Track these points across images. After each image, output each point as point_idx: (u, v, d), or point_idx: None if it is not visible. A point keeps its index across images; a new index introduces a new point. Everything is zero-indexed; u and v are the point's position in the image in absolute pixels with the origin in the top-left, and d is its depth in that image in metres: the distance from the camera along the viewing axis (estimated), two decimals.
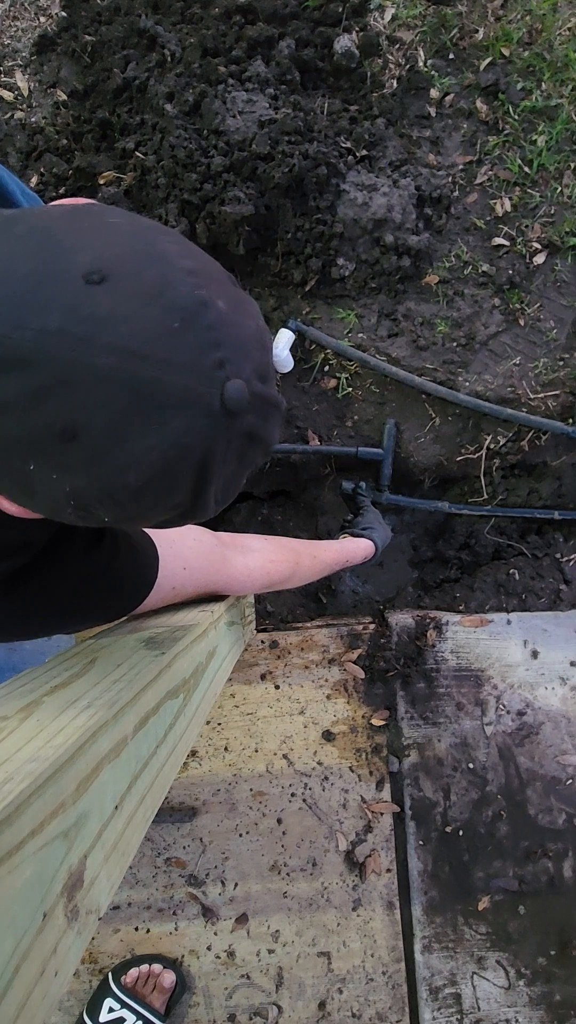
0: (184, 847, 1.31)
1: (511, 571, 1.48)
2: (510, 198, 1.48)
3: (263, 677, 1.38)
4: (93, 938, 1.22)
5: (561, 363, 1.47)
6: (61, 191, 1.44)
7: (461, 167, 1.49)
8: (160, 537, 0.71)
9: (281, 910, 1.30)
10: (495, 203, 1.47)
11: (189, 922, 1.28)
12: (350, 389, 1.48)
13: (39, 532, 0.56)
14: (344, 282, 1.43)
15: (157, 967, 1.23)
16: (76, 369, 0.37)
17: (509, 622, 1.43)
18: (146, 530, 0.71)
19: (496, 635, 1.42)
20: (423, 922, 1.31)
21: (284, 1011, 1.27)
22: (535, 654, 1.41)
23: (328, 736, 1.36)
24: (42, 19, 1.55)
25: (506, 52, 1.50)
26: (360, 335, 1.45)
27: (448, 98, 1.50)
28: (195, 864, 1.30)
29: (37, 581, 0.57)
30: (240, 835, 1.31)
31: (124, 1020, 1.17)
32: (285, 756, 1.35)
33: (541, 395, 1.46)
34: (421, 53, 1.51)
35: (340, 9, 1.46)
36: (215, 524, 1.55)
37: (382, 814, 1.33)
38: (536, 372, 1.46)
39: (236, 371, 0.42)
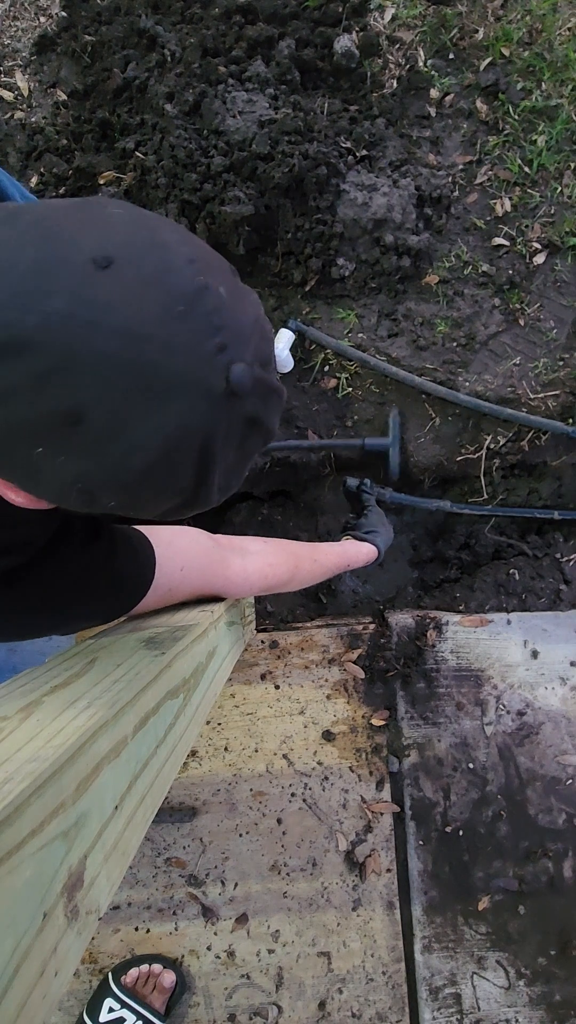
0: (184, 847, 1.31)
1: (511, 571, 1.48)
2: (510, 198, 1.48)
3: (263, 677, 1.38)
4: (93, 938, 1.22)
5: (561, 363, 1.47)
6: (61, 191, 1.44)
7: (461, 167, 1.49)
8: (157, 538, 0.71)
9: (281, 910, 1.30)
10: (495, 203, 1.47)
11: (189, 922, 1.28)
12: (350, 389, 1.48)
13: (38, 531, 0.56)
14: (344, 282, 1.43)
15: (157, 967, 1.23)
16: (80, 352, 0.38)
17: (509, 622, 1.43)
18: (144, 530, 0.71)
19: (496, 635, 1.42)
20: (423, 922, 1.31)
21: (284, 1011, 1.27)
22: (535, 654, 1.41)
23: (328, 736, 1.36)
24: (42, 19, 1.55)
25: (506, 52, 1.50)
26: (360, 335, 1.45)
27: (448, 98, 1.50)
28: (195, 864, 1.30)
29: (34, 579, 0.57)
30: (240, 835, 1.31)
31: (124, 1020, 1.16)
32: (285, 756, 1.35)
33: (541, 395, 1.46)
34: (421, 53, 1.51)
35: (340, 9, 1.46)
36: (215, 524, 1.55)
37: (382, 814, 1.33)
38: (536, 372, 1.46)
39: (238, 355, 0.43)
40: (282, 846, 1.31)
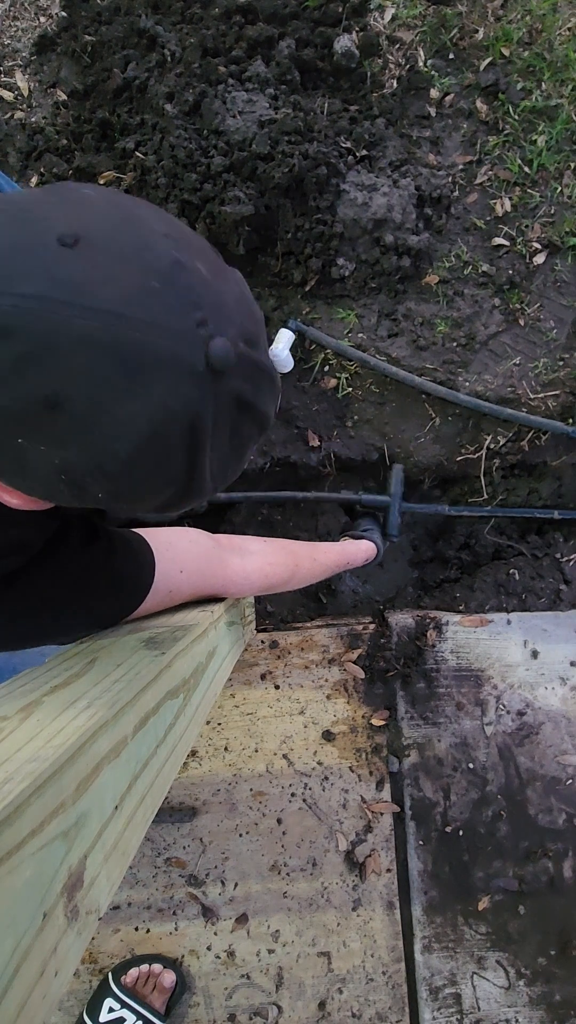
0: (184, 847, 1.31)
1: (511, 571, 1.48)
2: (510, 198, 1.48)
3: (263, 677, 1.38)
4: (93, 938, 1.22)
5: (561, 363, 1.47)
6: None
7: (461, 167, 1.49)
8: (156, 540, 0.70)
9: (281, 910, 1.30)
10: (495, 203, 1.47)
11: (189, 922, 1.28)
12: (350, 389, 1.48)
13: (35, 534, 0.56)
14: (344, 282, 1.43)
15: (157, 967, 1.23)
16: (56, 334, 0.37)
17: (509, 622, 1.43)
18: (143, 533, 0.71)
19: (496, 635, 1.42)
20: (423, 922, 1.31)
21: (284, 1011, 1.27)
22: (535, 654, 1.41)
23: (328, 736, 1.36)
24: (42, 19, 1.55)
25: (506, 52, 1.50)
26: (360, 335, 1.45)
27: (448, 98, 1.50)
28: (195, 864, 1.30)
29: (32, 583, 0.56)
30: (240, 835, 1.31)
31: (124, 1020, 1.17)
32: (285, 756, 1.35)
33: (541, 395, 1.46)
34: (421, 53, 1.51)
35: (340, 9, 1.46)
36: (215, 524, 1.55)
37: (382, 814, 1.33)
38: (536, 372, 1.46)
39: (218, 330, 0.41)
40: (282, 846, 1.31)
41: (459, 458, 1.52)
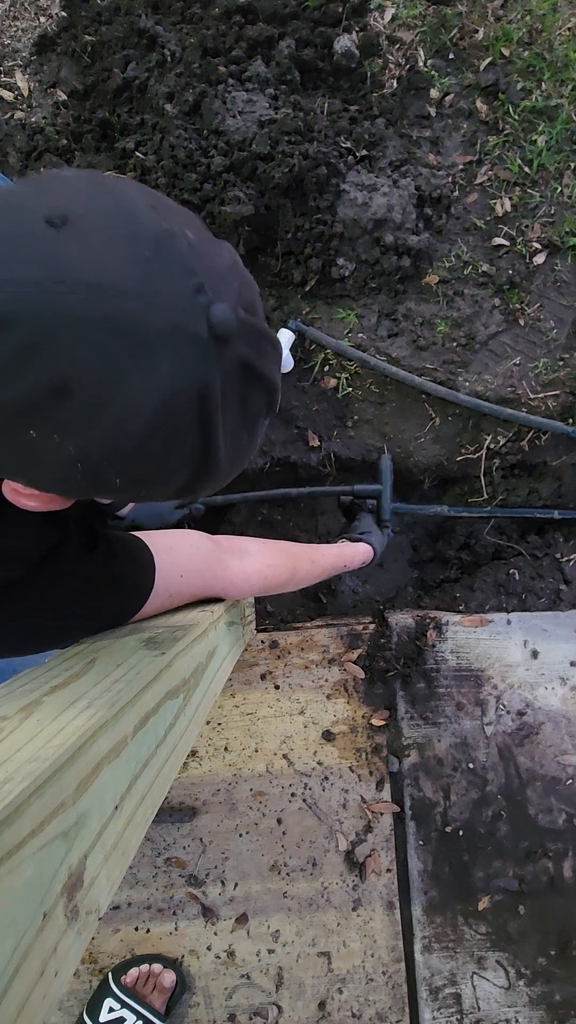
0: (184, 847, 1.31)
1: (511, 571, 1.48)
2: (510, 198, 1.48)
3: (263, 677, 1.38)
4: (93, 938, 1.22)
5: (561, 363, 1.47)
6: None
7: (461, 167, 1.49)
8: (156, 545, 0.70)
9: (281, 910, 1.30)
10: (495, 203, 1.47)
11: (189, 922, 1.28)
12: (350, 389, 1.48)
13: (35, 542, 0.55)
14: (344, 282, 1.43)
15: (157, 967, 1.23)
16: (55, 318, 0.36)
17: (509, 622, 1.43)
18: (143, 537, 0.71)
19: (496, 635, 1.42)
20: (423, 922, 1.31)
21: (284, 1011, 1.27)
22: (535, 654, 1.41)
23: (328, 736, 1.36)
24: (42, 19, 1.55)
25: (506, 52, 1.50)
26: (360, 335, 1.45)
27: (448, 98, 1.50)
28: (195, 864, 1.30)
29: (33, 591, 0.56)
30: (240, 835, 1.31)
31: (124, 1020, 1.16)
32: (285, 756, 1.35)
33: (541, 395, 1.46)
34: (421, 53, 1.51)
35: (340, 9, 1.46)
36: (215, 524, 1.55)
37: (382, 814, 1.33)
38: (536, 372, 1.46)
39: (217, 295, 0.40)
40: (282, 846, 1.31)
41: (459, 458, 1.52)
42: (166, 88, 1.37)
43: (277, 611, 1.44)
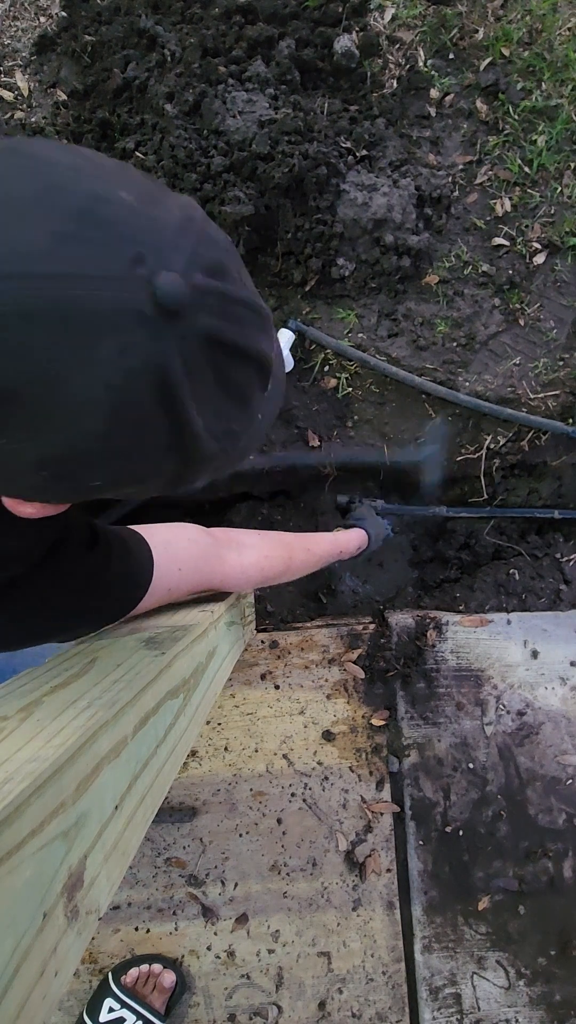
0: (184, 847, 1.31)
1: (511, 571, 1.48)
2: (510, 198, 1.48)
3: (263, 677, 1.38)
4: (93, 938, 1.22)
5: (561, 363, 1.47)
6: None
7: (461, 167, 1.49)
8: (154, 539, 0.71)
9: (281, 910, 1.30)
10: (495, 203, 1.47)
11: (189, 922, 1.28)
12: (350, 389, 1.48)
13: (35, 540, 0.55)
14: (344, 282, 1.43)
15: (157, 967, 1.23)
16: None
17: (509, 622, 1.43)
18: (141, 531, 0.71)
19: (496, 635, 1.42)
20: (423, 922, 1.30)
21: (284, 1011, 1.27)
22: (535, 654, 1.41)
23: (328, 736, 1.36)
24: (42, 19, 1.55)
25: (506, 52, 1.50)
26: (360, 335, 1.45)
27: (448, 98, 1.50)
28: (195, 864, 1.30)
29: (33, 588, 0.56)
30: (240, 835, 1.31)
31: (124, 1020, 1.16)
32: (285, 756, 1.35)
33: (541, 395, 1.46)
34: (421, 53, 1.51)
35: (340, 9, 1.46)
36: (215, 524, 1.55)
37: (382, 814, 1.33)
38: (536, 372, 1.46)
39: (161, 264, 0.35)
40: (282, 846, 1.31)
41: (459, 458, 1.52)
42: (166, 88, 1.37)
43: (277, 611, 1.44)
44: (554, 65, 1.50)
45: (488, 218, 1.48)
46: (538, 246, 1.47)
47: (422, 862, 1.32)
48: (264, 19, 1.46)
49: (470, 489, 1.57)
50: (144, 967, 1.23)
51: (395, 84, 1.49)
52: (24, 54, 1.53)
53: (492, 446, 1.49)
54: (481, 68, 1.51)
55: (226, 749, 1.34)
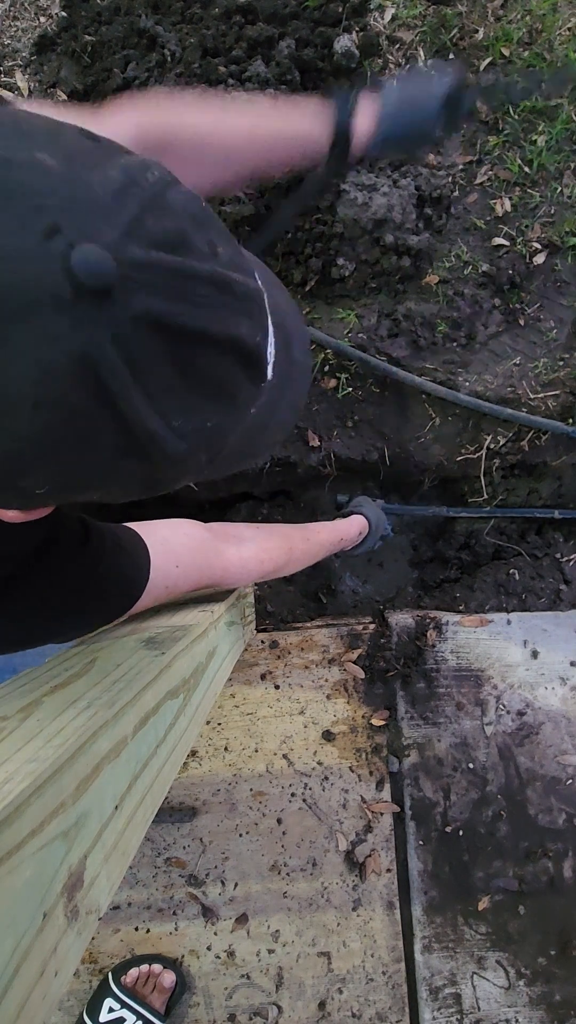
0: (184, 847, 1.31)
1: (511, 571, 1.48)
2: (510, 198, 1.48)
3: (263, 677, 1.38)
4: (93, 938, 1.22)
5: (561, 363, 1.47)
6: None
7: (461, 167, 1.49)
8: (151, 536, 0.70)
9: (281, 910, 1.30)
10: (495, 203, 1.47)
11: (189, 922, 1.28)
12: (350, 389, 1.48)
13: (25, 538, 0.55)
14: (344, 282, 1.43)
15: (157, 967, 1.23)
16: None
17: (509, 622, 1.43)
18: (138, 528, 0.70)
19: (496, 635, 1.42)
20: (423, 922, 1.30)
21: (284, 1011, 1.27)
22: (535, 654, 1.41)
23: (328, 736, 1.36)
24: (42, 19, 1.55)
25: (506, 52, 1.50)
26: (360, 335, 1.45)
27: None
28: (195, 864, 1.30)
29: (27, 587, 0.55)
30: (240, 835, 1.31)
31: (124, 1020, 1.16)
32: (285, 756, 1.35)
33: (541, 395, 1.46)
34: (421, 53, 1.51)
35: (340, 9, 1.46)
36: (215, 519, 1.55)
37: (382, 814, 1.33)
38: (536, 372, 1.46)
39: (82, 235, 0.29)
40: (282, 846, 1.31)
41: (459, 458, 1.52)
42: (166, 88, 1.37)
43: (277, 611, 1.44)
44: (554, 65, 1.50)
45: (488, 218, 1.48)
46: (538, 246, 1.47)
47: (422, 862, 1.32)
48: (264, 19, 1.46)
49: (470, 489, 1.57)
50: (144, 967, 1.23)
51: None
52: (24, 54, 1.53)
53: (492, 446, 1.49)
54: (481, 68, 1.51)
55: (226, 749, 1.34)
